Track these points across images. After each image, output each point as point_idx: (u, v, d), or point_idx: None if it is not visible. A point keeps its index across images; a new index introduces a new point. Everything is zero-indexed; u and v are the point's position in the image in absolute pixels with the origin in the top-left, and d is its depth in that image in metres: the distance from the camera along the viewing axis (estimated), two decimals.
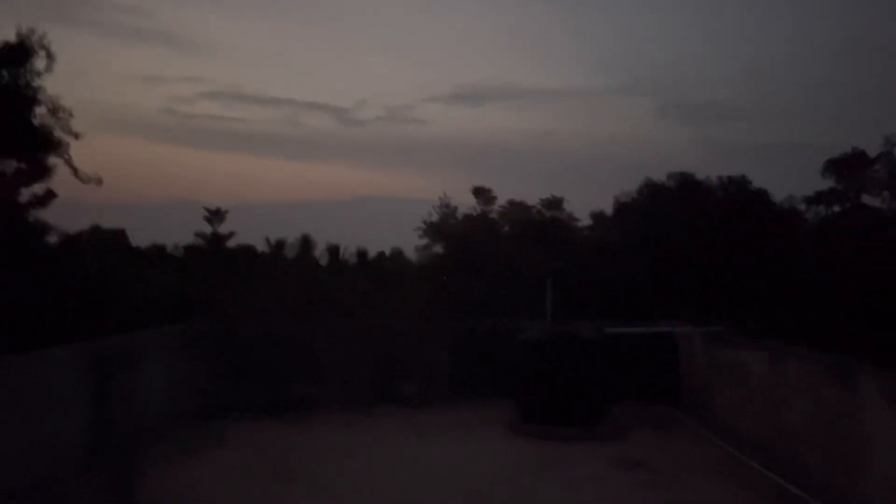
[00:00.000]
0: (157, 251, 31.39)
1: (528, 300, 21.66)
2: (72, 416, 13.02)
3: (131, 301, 19.28)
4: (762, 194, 27.02)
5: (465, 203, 32.86)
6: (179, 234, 32.93)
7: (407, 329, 19.50)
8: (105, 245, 25.20)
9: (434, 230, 32.65)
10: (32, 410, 12.00)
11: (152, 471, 12.34)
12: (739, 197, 27.24)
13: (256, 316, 20.24)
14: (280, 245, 35.92)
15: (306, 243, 37.02)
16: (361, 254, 39.20)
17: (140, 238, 31.27)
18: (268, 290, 23.52)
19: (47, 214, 17.64)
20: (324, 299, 25.35)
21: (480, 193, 28.20)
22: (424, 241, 34.69)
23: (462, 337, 19.32)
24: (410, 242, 36.89)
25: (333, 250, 38.09)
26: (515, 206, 27.68)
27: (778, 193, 27.32)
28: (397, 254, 38.12)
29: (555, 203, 27.30)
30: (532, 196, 30.11)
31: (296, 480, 12.30)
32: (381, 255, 39.09)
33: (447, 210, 32.91)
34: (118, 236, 28.53)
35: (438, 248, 32.46)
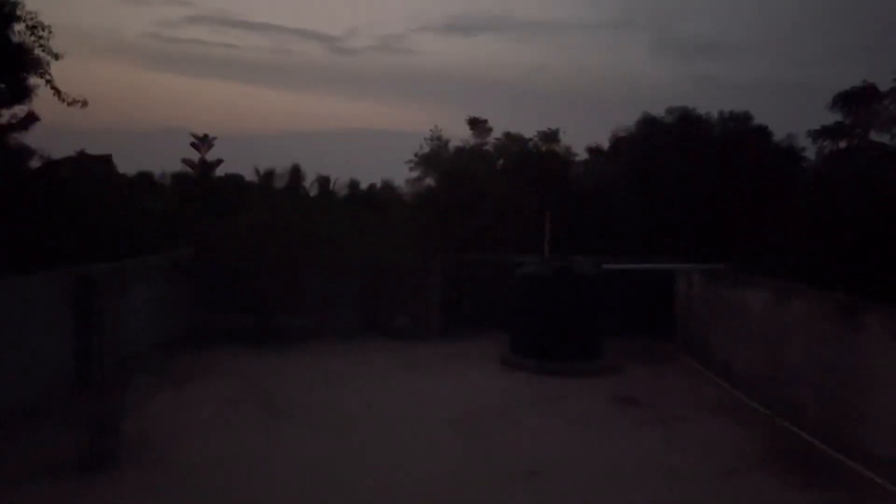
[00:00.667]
0: (145, 178, 30.66)
1: (524, 235, 21.24)
2: (55, 344, 12.65)
3: (117, 228, 18.73)
4: (763, 130, 26.39)
5: (458, 136, 32.07)
6: (167, 161, 32.15)
7: (399, 261, 19.08)
8: (90, 171, 24.47)
9: (426, 162, 31.93)
10: (13, 337, 11.60)
11: (139, 400, 12.03)
12: (739, 132, 26.61)
13: (244, 245, 19.75)
14: (269, 175, 35.16)
15: (296, 174, 36.29)
16: (352, 185, 38.58)
17: (127, 165, 30.48)
18: (256, 219, 22.98)
19: (29, 138, 16.88)
20: (313, 230, 24.89)
21: (476, 125, 27.42)
22: (416, 174, 34.03)
23: (456, 270, 18.95)
24: (402, 175, 36.26)
25: (323, 181, 37.41)
26: (511, 139, 26.94)
27: (778, 132, 26.67)
28: (388, 186, 37.53)
29: (551, 136, 26.58)
30: (527, 130, 29.36)
31: (287, 411, 12.04)
32: (371, 187, 38.51)
33: (439, 142, 32.14)
34: (104, 162, 27.74)
35: (430, 181, 31.86)
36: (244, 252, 18.52)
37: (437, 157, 30.78)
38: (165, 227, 22.68)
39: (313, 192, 36.64)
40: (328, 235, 24.36)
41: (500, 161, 26.71)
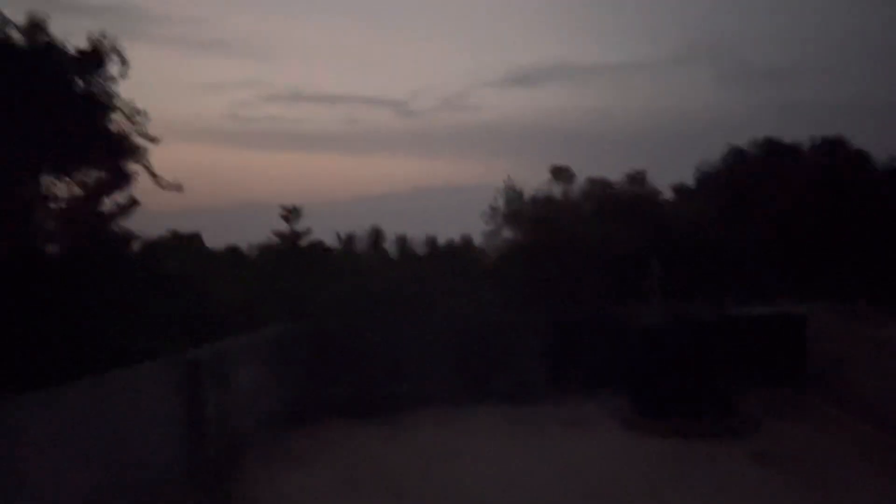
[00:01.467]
0: (233, 253, 31.00)
1: (622, 283, 20.24)
2: (165, 434, 12.25)
3: (215, 306, 18.66)
4: (862, 154, 24.84)
5: (533, 185, 31.44)
6: (251, 234, 32.49)
7: (495, 319, 18.30)
8: (183, 250, 24.78)
9: (505, 215, 31.33)
10: (123, 431, 11.23)
11: (254, 486, 11.47)
12: (835, 160, 25.11)
13: (337, 313, 19.41)
14: (350, 239, 35.24)
15: (376, 236, 36.26)
16: (431, 243, 38.26)
17: (215, 241, 30.93)
18: (344, 285, 22.69)
19: (130, 222, 17.03)
20: (400, 291, 24.43)
21: (559, 173, 26.68)
22: (492, 227, 33.46)
23: (558, 325, 18.01)
24: (476, 229, 35.83)
25: (402, 241, 37.23)
26: (596, 184, 26.11)
27: (876, 154, 25.12)
28: (467, 241, 37.06)
29: (638, 178, 25.65)
30: (608, 173, 28.54)
31: (410, 491, 11.27)
32: (450, 243, 38.07)
33: (515, 193, 31.54)
34: (194, 240, 28.17)
35: (509, 233, 31.23)
36: (338, 322, 18.12)
37: (516, 209, 30.19)
38: (259, 301, 22.61)
39: (393, 253, 36.48)
40: (415, 296, 23.89)
41: (587, 207, 25.87)
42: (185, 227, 28.51)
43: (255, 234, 32.10)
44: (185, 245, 25.33)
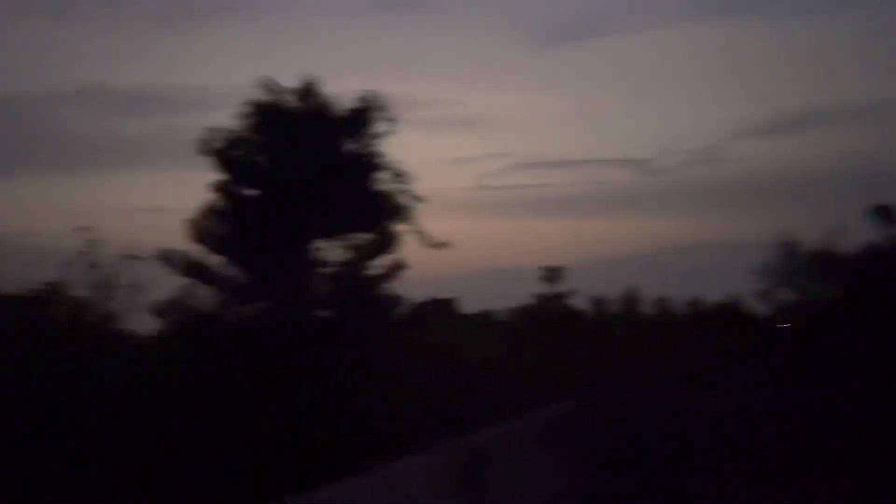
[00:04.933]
0: (485, 317, 29.31)
1: None
2: None
3: (472, 376, 16.56)
4: None
5: (811, 239, 26.38)
6: (502, 299, 30.83)
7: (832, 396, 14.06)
8: (441, 315, 23.33)
9: (786, 272, 26.43)
10: None
11: None
12: None
13: (621, 388, 16.32)
14: (601, 302, 32.11)
15: (631, 298, 32.79)
16: (694, 304, 33.93)
17: (468, 306, 29.51)
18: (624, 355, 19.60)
19: (395, 286, 15.50)
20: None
21: (887, 214, 21.20)
22: (766, 286, 28.52)
23: None
24: (738, 289, 31.26)
25: (662, 302, 33.35)
26: None
27: None
28: (735, 302, 32.39)
29: None
30: None
31: None
32: (718, 305, 33.49)
33: (792, 249, 26.54)
34: (450, 305, 26.87)
35: (787, 294, 26.32)
36: (626, 399, 15.02)
37: (800, 264, 25.34)
38: (514, 367, 20.29)
39: (652, 316, 32.75)
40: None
41: None
42: (440, 292, 27.45)
43: (505, 298, 30.36)
44: (442, 310, 23.88)
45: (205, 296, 14.16)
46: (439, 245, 15.73)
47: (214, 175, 14.65)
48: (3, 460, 8.83)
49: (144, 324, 13.87)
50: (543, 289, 24.58)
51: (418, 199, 15.58)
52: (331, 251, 14.98)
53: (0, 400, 9.01)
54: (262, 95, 14.84)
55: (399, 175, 15.54)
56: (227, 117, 14.88)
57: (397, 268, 15.06)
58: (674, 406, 15.36)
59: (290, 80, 15.18)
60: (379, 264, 15.06)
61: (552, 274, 23.51)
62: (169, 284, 13.86)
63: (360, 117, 15.20)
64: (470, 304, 30.43)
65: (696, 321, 31.83)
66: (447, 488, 10.14)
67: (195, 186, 14.84)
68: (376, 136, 15.29)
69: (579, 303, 29.46)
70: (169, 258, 13.86)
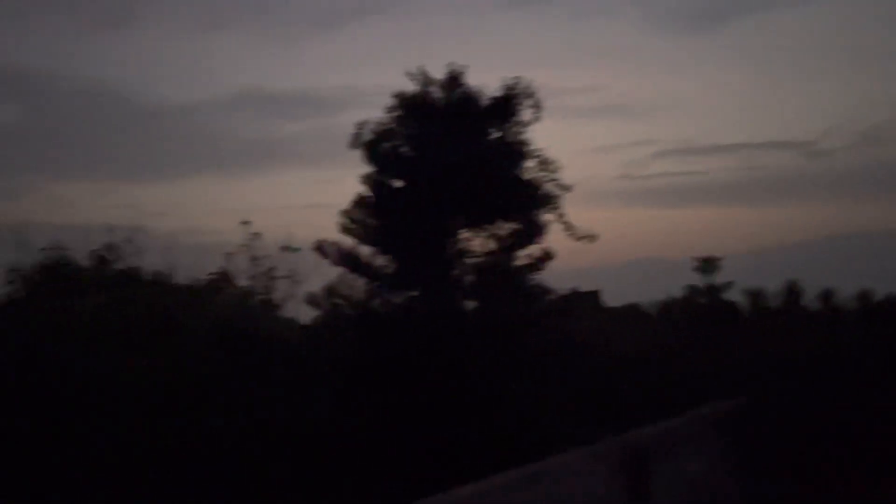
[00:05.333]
0: (632, 310, 28.22)
1: None
2: None
3: (636, 373, 15.79)
4: None
5: None
6: (650, 291, 29.47)
7: None
8: (586, 308, 22.63)
9: None
10: None
11: None
12: None
13: (787, 387, 15.01)
14: (757, 294, 29.98)
15: (792, 290, 30.43)
16: (862, 298, 31.02)
17: (611, 299, 28.49)
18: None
19: (542, 277, 15.08)
20: None
21: None
22: None
23: None
24: None
25: (826, 295, 30.74)
26: None
27: None
28: None
29: None
30: None
31: None
32: (892, 298, 30.43)
33: None
34: (593, 298, 26.07)
35: None
36: (811, 398, 13.77)
37: None
38: (664, 361, 19.31)
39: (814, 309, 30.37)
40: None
41: None
42: (583, 285, 26.67)
43: (653, 291, 29.03)
44: (585, 303, 23.15)
45: (357, 285, 14.43)
46: (586, 237, 15.17)
47: (365, 168, 14.89)
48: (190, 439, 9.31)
49: (303, 313, 14.36)
50: (696, 280, 23.19)
51: (565, 187, 15.10)
52: (477, 241, 14.82)
53: (185, 380, 9.56)
54: (410, 86, 14.89)
55: (546, 163, 15.12)
56: (376, 115, 15.07)
57: (544, 258, 14.66)
58: (846, 406, 13.95)
59: (435, 73, 15.14)
60: (525, 254, 14.73)
61: (707, 265, 22.11)
62: (323, 275, 14.24)
63: (506, 105, 14.89)
64: (614, 297, 29.42)
65: (865, 315, 29.15)
66: (605, 487, 9.64)
67: (348, 183, 15.17)
68: (522, 123, 14.95)
69: (735, 295, 27.73)
70: (323, 249, 14.23)
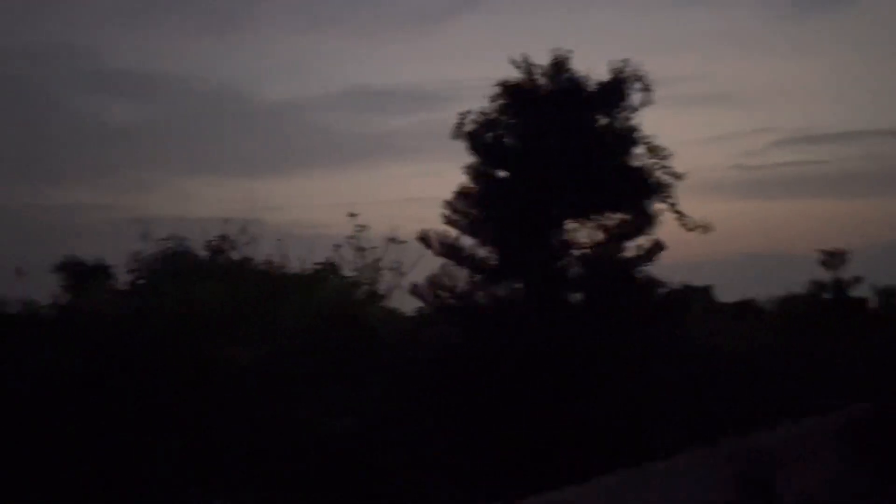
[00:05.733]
0: (745, 307, 26.62)
1: None
2: None
3: (754, 374, 14.79)
4: None
5: None
6: (768, 287, 27.67)
7: None
8: (698, 304, 21.51)
9: None
10: None
11: None
12: None
13: None
14: (891, 293, 27.53)
15: None
16: None
17: (724, 294, 26.94)
18: None
19: (653, 269, 14.35)
20: None
21: None
22: None
23: None
24: None
25: None
26: None
27: None
28: None
29: None
30: None
31: None
32: None
33: None
34: (705, 293, 24.76)
35: None
36: None
37: None
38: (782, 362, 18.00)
39: None
40: None
41: None
42: (694, 279, 25.38)
43: (770, 286, 27.23)
44: (698, 299, 22.00)
45: (459, 277, 14.21)
46: (701, 227, 14.32)
47: (468, 159, 14.63)
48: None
49: (407, 303, 14.30)
50: (821, 276, 21.53)
51: (677, 175, 14.30)
52: (584, 232, 14.27)
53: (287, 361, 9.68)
54: (514, 75, 14.49)
55: (656, 150, 14.37)
56: (479, 106, 14.73)
57: (655, 250, 13.93)
58: None
59: (539, 61, 14.65)
60: (635, 245, 14.06)
61: (833, 259, 20.45)
62: (427, 268, 14.11)
63: (614, 89, 14.24)
64: (727, 293, 27.82)
65: None
66: (725, 492, 8.97)
67: (452, 176, 14.95)
68: (632, 108, 14.25)
69: (864, 292, 25.59)
70: (426, 239, 14.09)
